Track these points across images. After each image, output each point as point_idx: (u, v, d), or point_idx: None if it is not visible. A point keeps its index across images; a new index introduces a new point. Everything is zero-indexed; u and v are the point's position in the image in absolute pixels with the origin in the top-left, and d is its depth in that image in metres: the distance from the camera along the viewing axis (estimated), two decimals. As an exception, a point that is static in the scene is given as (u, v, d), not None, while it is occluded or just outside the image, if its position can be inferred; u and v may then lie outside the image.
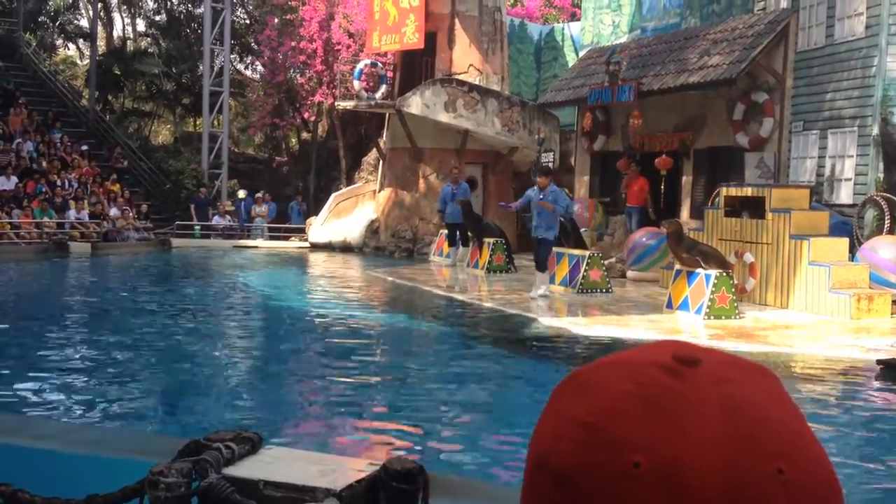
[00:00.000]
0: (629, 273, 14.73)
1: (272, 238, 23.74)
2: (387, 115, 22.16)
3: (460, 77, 20.82)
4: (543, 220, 12.56)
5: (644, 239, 14.45)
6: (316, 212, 23.75)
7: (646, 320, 10.90)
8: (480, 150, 20.79)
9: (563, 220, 13.70)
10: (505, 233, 17.13)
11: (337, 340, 10.00)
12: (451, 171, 18.10)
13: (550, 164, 18.99)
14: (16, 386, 7.26)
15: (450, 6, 21.23)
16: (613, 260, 15.02)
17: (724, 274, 10.81)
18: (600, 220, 18.04)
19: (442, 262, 18.23)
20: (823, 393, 7.78)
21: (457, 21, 21.26)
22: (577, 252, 13.38)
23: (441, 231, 18.95)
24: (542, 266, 12.79)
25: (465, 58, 21.33)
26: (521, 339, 10.48)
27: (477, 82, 20.90)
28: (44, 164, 23.10)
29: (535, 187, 12.88)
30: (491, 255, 16.09)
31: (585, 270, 12.94)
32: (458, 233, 17.33)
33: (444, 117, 20.07)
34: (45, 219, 20.54)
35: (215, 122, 27.31)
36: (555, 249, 13.65)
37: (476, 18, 21.46)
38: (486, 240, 16.28)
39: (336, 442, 6.25)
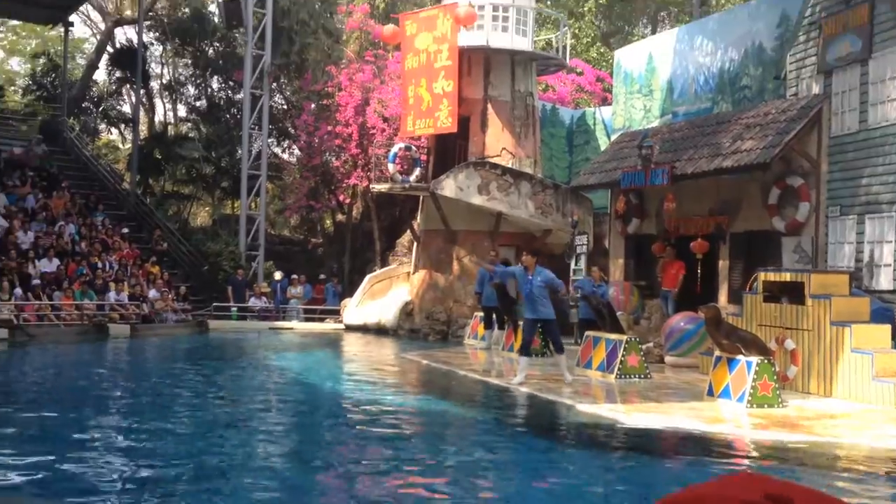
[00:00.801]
0: (667, 358, 14.60)
1: (307, 319, 23.88)
2: (421, 197, 22.45)
3: (493, 160, 21.10)
4: (542, 299, 12.55)
5: (682, 323, 14.36)
6: (351, 293, 23.91)
7: (686, 408, 10.74)
8: (514, 232, 20.93)
9: (598, 304, 13.71)
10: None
11: (371, 426, 9.96)
12: (488, 255, 18.24)
13: (585, 247, 19.08)
14: (52, 470, 7.29)
15: (482, 91, 21.66)
16: (651, 345, 14.91)
17: (766, 361, 10.68)
18: (636, 303, 17.97)
19: (477, 344, 18.20)
20: (871, 485, 7.60)
21: (489, 106, 21.67)
22: (614, 336, 13.30)
23: (476, 313, 18.99)
24: (561, 347, 12.74)
25: (497, 141, 21.65)
26: (559, 426, 10.38)
27: (510, 165, 21.17)
28: (85, 246, 23.57)
29: (520, 266, 12.93)
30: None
31: (623, 355, 12.85)
32: (493, 315, 17.34)
33: (477, 200, 20.31)
34: (86, 300, 20.85)
35: (253, 205, 27.79)
36: (591, 334, 13.59)
37: (508, 103, 21.85)
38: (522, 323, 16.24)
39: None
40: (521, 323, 16.11)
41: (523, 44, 21.91)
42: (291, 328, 22.32)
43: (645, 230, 18.90)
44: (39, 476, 7.19)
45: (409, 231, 23.95)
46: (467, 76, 21.57)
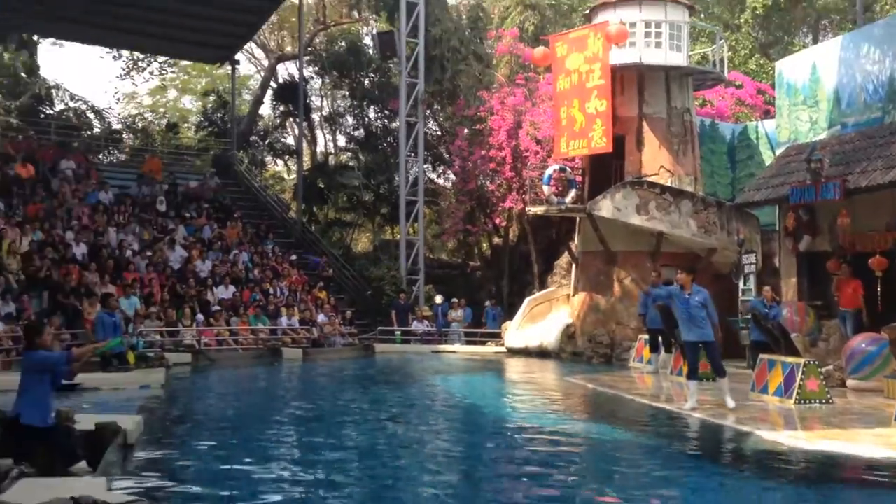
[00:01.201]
0: (849, 382, 13.87)
1: (469, 343, 24.13)
2: (578, 218, 22.32)
3: (651, 179, 20.76)
4: (700, 319, 12.16)
5: (863, 345, 13.63)
6: (510, 316, 24.01)
7: (873, 434, 10.18)
8: (677, 252, 20.45)
9: (770, 326, 13.22)
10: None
11: (537, 450, 9.95)
12: (650, 276, 17.94)
13: (753, 266, 18.43)
14: (227, 491, 7.66)
15: (637, 109, 21.40)
16: (831, 368, 14.21)
17: (962, 385, 10.01)
18: (812, 324, 17.13)
19: (643, 368, 17.88)
20: None
21: (645, 123, 21.37)
22: (790, 360, 12.76)
23: (640, 336, 18.67)
24: (722, 371, 12.34)
25: (655, 159, 21.30)
26: (736, 454, 10.04)
27: (669, 183, 20.77)
28: (258, 273, 24.76)
29: (676, 286, 12.60)
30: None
31: (801, 380, 12.30)
32: (659, 338, 17.00)
33: (636, 220, 20.01)
34: (260, 325, 21.88)
35: (411, 230, 28.43)
36: (766, 357, 13.10)
37: (664, 120, 21.49)
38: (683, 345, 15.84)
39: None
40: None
41: (678, 59, 21.53)
42: (454, 351, 22.61)
43: (818, 247, 18.05)
44: (226, 493, 7.59)
45: (566, 253, 23.84)
46: (620, 94, 21.35)
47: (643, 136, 21.37)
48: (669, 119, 21.52)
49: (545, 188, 22.05)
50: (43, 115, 34.17)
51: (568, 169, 22.61)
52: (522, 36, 30.01)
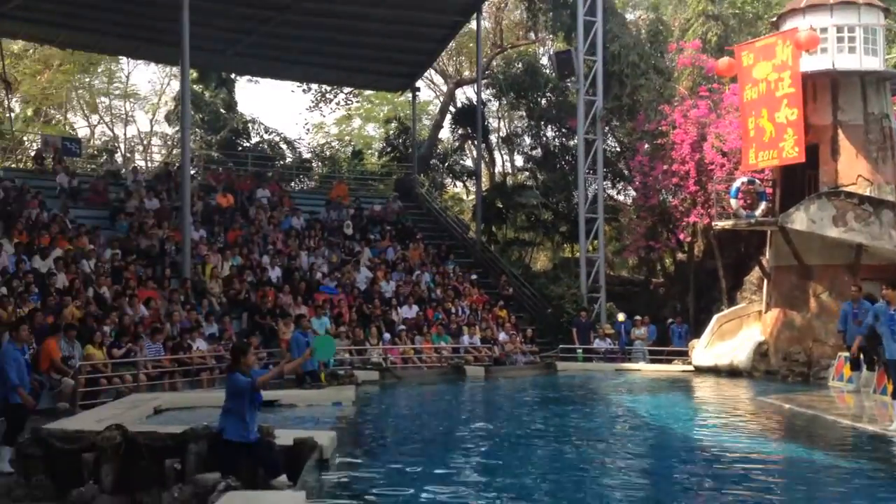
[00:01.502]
0: None
1: (653, 361, 23.56)
2: (768, 232, 21.39)
3: (848, 189, 19.61)
4: None
5: None
6: (697, 334, 23.26)
7: None
8: (878, 265, 19.14)
9: None
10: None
11: (731, 472, 9.57)
12: (850, 290, 16.93)
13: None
14: (407, 501, 7.79)
15: (831, 117, 20.31)
16: None
17: None
18: None
19: (843, 387, 16.87)
20: None
21: (840, 131, 20.23)
22: None
23: (840, 353, 17.62)
24: None
25: (851, 168, 20.11)
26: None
27: (868, 193, 19.53)
28: (439, 292, 25.25)
29: (882, 302, 11.94)
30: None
31: None
32: (861, 356, 15.96)
33: (833, 232, 18.93)
34: (443, 343, 22.29)
35: (591, 247, 28.17)
36: None
37: (861, 127, 20.26)
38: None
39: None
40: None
41: (873, 63, 20.27)
42: (638, 370, 22.13)
43: None
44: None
45: (756, 268, 22.85)
46: (812, 102, 20.34)
47: (838, 144, 20.23)
48: (867, 126, 20.27)
49: (733, 202, 21.29)
50: (240, 148, 36.48)
51: (757, 181, 21.70)
52: (705, 47, 29.20)
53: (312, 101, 42.11)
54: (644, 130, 27.97)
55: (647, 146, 27.67)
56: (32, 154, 30.51)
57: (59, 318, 15.87)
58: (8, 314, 15.11)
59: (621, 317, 25.18)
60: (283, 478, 8.28)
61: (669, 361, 23.09)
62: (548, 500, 8.25)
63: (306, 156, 41.29)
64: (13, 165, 31.39)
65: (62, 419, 10.13)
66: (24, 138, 38.55)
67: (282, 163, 37.67)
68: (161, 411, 12.04)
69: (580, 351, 23.91)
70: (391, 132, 40.78)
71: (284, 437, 9.06)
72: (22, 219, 20.27)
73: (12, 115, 38.37)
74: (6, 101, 36.71)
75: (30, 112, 42.64)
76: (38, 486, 8.76)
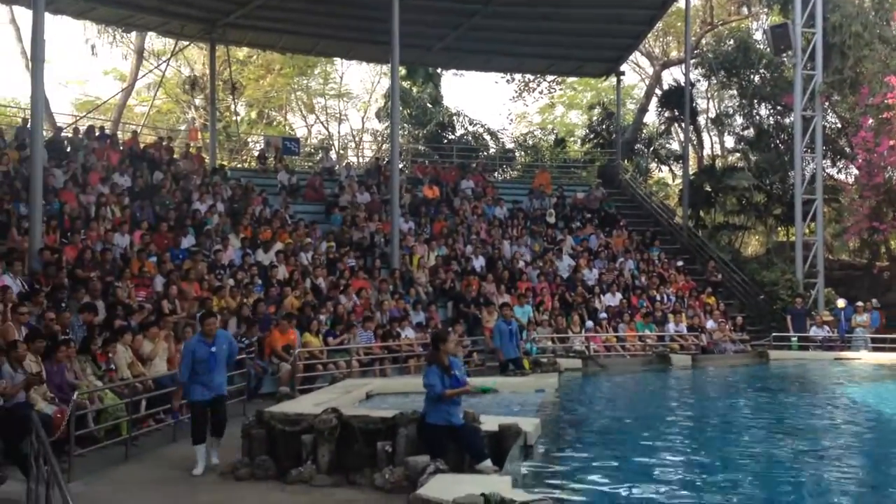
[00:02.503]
0: None
1: (877, 349, 22.00)
2: None
3: None
4: None
5: None
6: (928, 321, 21.54)
7: None
8: None
9: None
10: None
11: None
12: None
13: None
14: (624, 494, 7.75)
15: None
16: None
17: None
18: None
19: None
20: None
21: None
22: None
23: None
24: None
25: None
26: None
27: None
28: (644, 280, 24.81)
29: None
30: None
31: None
32: None
33: None
34: (647, 331, 21.91)
35: (808, 230, 26.73)
36: None
37: None
38: None
39: None
40: None
41: None
42: (859, 358, 20.75)
43: None
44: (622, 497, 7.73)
45: None
46: None
47: None
48: None
49: (968, 177, 19.50)
50: (445, 140, 37.35)
51: None
52: (936, 12, 26.87)
53: (516, 92, 42.51)
54: (868, 104, 26.18)
55: (871, 121, 25.91)
56: (256, 154, 32.65)
57: (281, 309, 17.03)
58: (237, 303, 16.37)
59: (841, 303, 23.72)
60: (489, 462, 8.46)
61: (894, 350, 21.47)
62: (758, 498, 7.98)
63: (509, 146, 41.66)
64: (239, 165, 33.75)
65: (283, 402, 10.82)
66: (249, 139, 41.40)
67: (485, 153, 38.22)
68: (372, 396, 12.64)
69: (795, 339, 22.73)
70: (594, 118, 40.35)
71: (489, 423, 9.24)
72: (247, 215, 21.83)
73: (238, 118, 41.27)
74: (233, 106, 39.55)
75: (253, 115, 45.79)
76: (260, 466, 9.43)
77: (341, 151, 44.38)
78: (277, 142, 30.92)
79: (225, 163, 31.70)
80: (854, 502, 7.68)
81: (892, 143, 24.26)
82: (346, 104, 49.66)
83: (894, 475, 8.88)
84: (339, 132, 49.81)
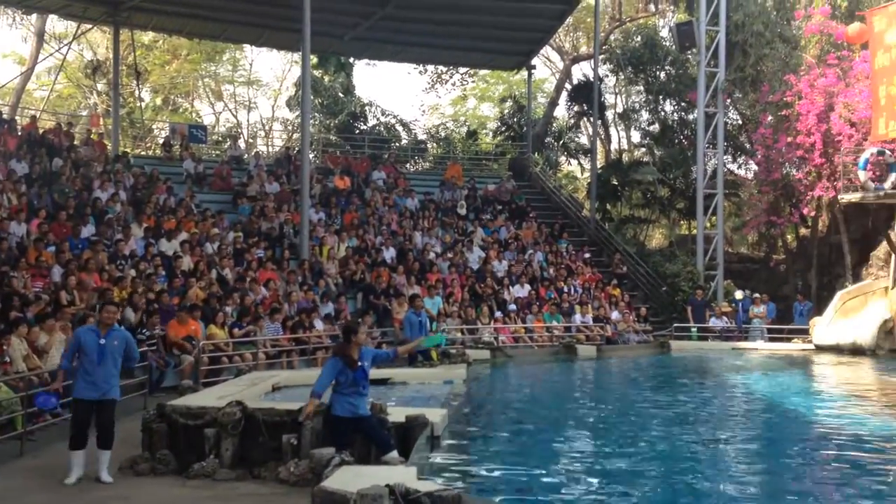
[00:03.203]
0: None
1: (772, 340, 22.87)
2: (898, 205, 20.43)
3: None
4: None
5: None
6: (819, 311, 22.45)
7: None
8: None
9: None
10: None
11: (853, 454, 9.26)
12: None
13: None
14: (530, 483, 7.88)
15: (971, 82, 19.13)
16: None
17: None
18: None
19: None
20: None
21: (985, 98, 19.06)
22: None
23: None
24: None
25: None
26: None
27: None
28: (552, 271, 25.18)
29: None
30: None
31: None
32: None
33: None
34: (554, 322, 22.26)
35: (709, 224, 27.51)
36: None
37: None
38: None
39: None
40: None
41: None
42: (755, 348, 21.54)
43: None
44: (523, 486, 7.84)
45: (884, 242, 21.83)
46: (949, 67, 19.24)
47: (979, 111, 19.07)
48: None
49: (861, 174, 20.46)
50: (357, 131, 37.15)
51: (887, 152, 20.76)
52: (834, 13, 27.85)
53: (428, 83, 42.54)
54: (768, 102, 27.02)
55: (770, 118, 26.75)
56: (161, 141, 31.90)
57: (185, 300, 16.68)
58: (139, 296, 15.96)
59: (739, 294, 24.57)
60: (395, 454, 8.45)
61: (789, 340, 22.38)
62: (659, 483, 8.19)
63: (421, 137, 41.73)
64: (143, 153, 32.88)
65: (186, 396, 10.61)
66: (154, 126, 40.39)
67: (397, 145, 38.19)
68: (279, 388, 12.50)
69: (695, 330, 23.42)
70: (506, 111, 40.73)
71: (396, 414, 9.25)
72: (151, 204, 21.30)
73: (142, 104, 40.20)
74: (137, 91, 38.49)
75: (159, 101, 44.66)
76: (161, 460, 9.22)
77: (250, 140, 43.72)
78: (183, 129, 30.25)
79: (128, 150, 30.80)
80: (750, 487, 7.93)
81: (789, 139, 25.11)
82: (256, 92, 49.01)
83: (787, 460, 9.21)
84: (248, 120, 49.11)
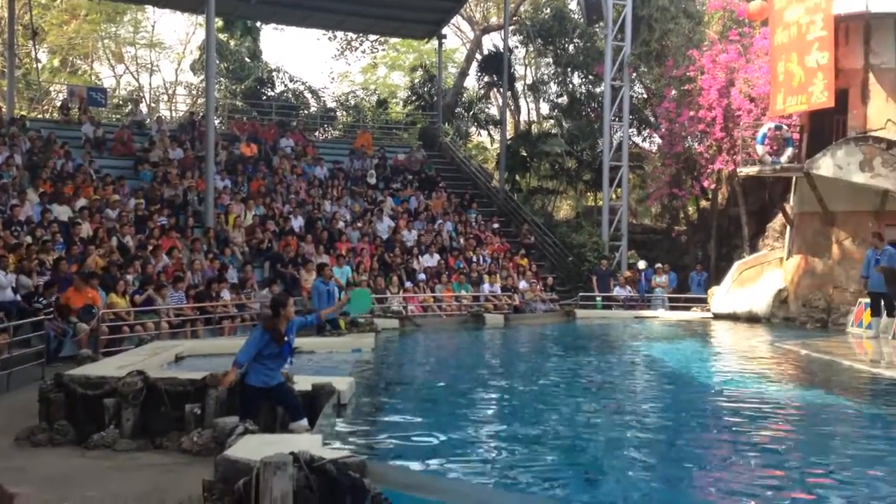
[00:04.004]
0: None
1: (673, 308, 23.56)
2: (794, 178, 21.18)
3: (877, 134, 19.29)
4: None
5: None
6: (717, 281, 23.21)
7: None
8: (903, 211, 19.00)
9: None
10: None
11: (747, 418, 9.62)
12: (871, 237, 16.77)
13: None
14: (436, 450, 7.94)
15: (863, 60, 19.88)
16: None
17: None
18: None
19: (862, 333, 16.85)
20: None
21: (871, 75, 19.82)
22: None
23: (860, 300, 17.57)
24: None
25: (881, 113, 19.74)
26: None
27: (896, 138, 19.23)
28: (461, 241, 25.31)
29: None
30: (922, 328, 14.55)
31: None
32: (881, 302, 15.88)
33: (859, 178, 18.68)
34: (463, 292, 22.41)
35: (614, 195, 28.04)
36: None
37: (893, 70, 19.83)
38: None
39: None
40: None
41: (909, 5, 19.79)
42: (657, 317, 22.16)
43: None
44: (430, 451, 7.88)
45: (780, 215, 22.67)
46: (844, 45, 19.90)
47: (869, 88, 19.83)
48: (900, 69, 19.86)
49: (759, 148, 21.06)
50: (265, 97, 36.44)
51: (784, 127, 21.43)
52: (738, -10, 28.61)
53: (338, 50, 42.10)
54: (672, 76, 27.61)
55: (674, 92, 27.34)
56: (58, 104, 30.70)
57: (83, 267, 16.14)
58: (34, 263, 15.37)
59: (642, 265, 25.18)
60: (304, 422, 8.39)
61: (688, 309, 23.09)
62: (563, 447, 8.33)
63: (331, 105, 41.23)
64: (39, 116, 31.66)
65: (85, 365, 10.31)
66: (51, 89, 38.82)
67: (306, 112, 37.65)
68: (182, 358, 12.26)
69: (599, 299, 23.94)
70: (416, 81, 40.53)
71: (303, 383, 9.17)
72: (47, 169, 20.50)
73: (39, 65, 38.57)
74: (33, 52, 36.88)
75: (56, 62, 42.91)
76: (59, 431, 8.94)
77: (152, 104, 42.40)
78: (82, 92, 29.17)
79: (24, 113, 29.55)
80: (651, 454, 8.14)
81: (691, 113, 25.74)
82: (159, 55, 47.55)
83: (687, 427, 9.48)
84: (150, 84, 47.61)
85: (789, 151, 20.80)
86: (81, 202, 19.16)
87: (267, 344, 8.54)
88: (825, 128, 20.43)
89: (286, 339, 8.65)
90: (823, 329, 18.76)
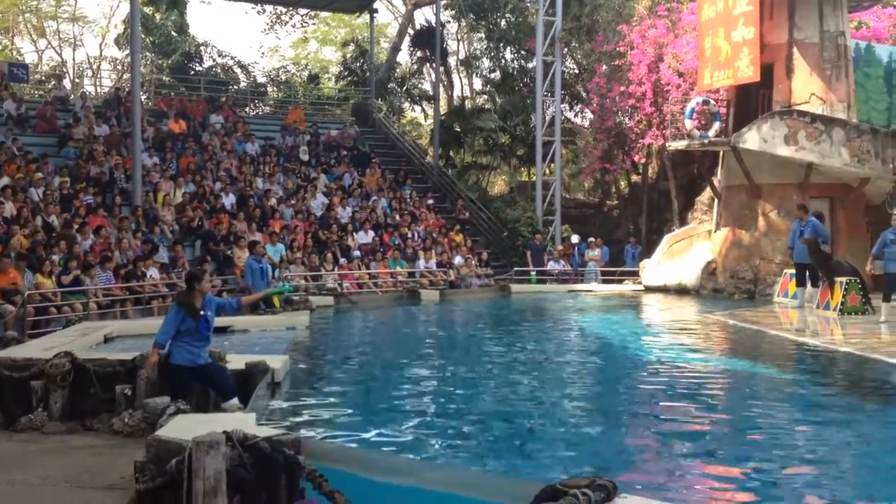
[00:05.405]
0: None
1: (606, 282, 23.91)
2: (721, 152, 21.59)
3: (801, 107, 19.77)
4: None
5: None
6: (649, 254, 23.60)
7: None
8: (826, 183, 19.53)
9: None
10: (858, 271, 15.86)
11: (676, 386, 9.82)
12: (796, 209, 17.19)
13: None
14: (371, 426, 7.95)
15: (787, 35, 20.30)
16: None
17: None
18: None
19: (788, 303, 17.32)
20: None
21: (795, 50, 20.26)
22: None
23: (785, 271, 18.05)
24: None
25: (805, 87, 20.23)
26: (887, 388, 9.61)
27: (820, 112, 19.71)
28: (396, 217, 25.25)
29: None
30: (844, 296, 14.99)
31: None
32: (806, 272, 16.34)
33: (784, 151, 19.14)
34: (398, 268, 22.39)
35: (547, 170, 28.23)
36: None
37: (817, 45, 20.31)
38: (839, 279, 15.22)
39: (684, 491, 6.12)
40: (838, 280, 15.15)
41: (832, -20, 20.24)
42: (590, 290, 22.45)
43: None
44: (367, 426, 7.89)
45: (708, 188, 23.12)
46: (769, 20, 20.30)
47: (793, 63, 20.27)
48: (822, 44, 20.31)
49: (687, 122, 21.42)
50: (192, 72, 35.67)
51: (712, 101, 21.81)
52: (667, -36, 28.86)
53: (267, 24, 41.31)
54: (602, 52, 27.76)
55: (604, 68, 27.53)
56: (-23, 80, 29.58)
57: (7, 248, 15.66)
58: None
59: (575, 239, 25.45)
60: (236, 401, 8.31)
61: (621, 282, 23.44)
62: (499, 421, 8.40)
63: (261, 80, 40.58)
64: (-43, 92, 30.41)
65: (10, 348, 10.04)
66: (-31, 64, 37.36)
67: (236, 88, 36.97)
68: (111, 339, 12.02)
69: (534, 273, 24.14)
70: (348, 56, 40.13)
71: (236, 361, 9.07)
72: (-34, 147, 19.80)
73: (-45, 40, 37.14)
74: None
75: (-26, 37, 41.36)
76: (-15, 414, 8.72)
77: (76, 80, 41.21)
78: (3, 67, 28.13)
79: (-61, 89, 28.41)
80: (586, 424, 8.26)
81: (622, 89, 25.98)
82: (82, 29, 46.27)
83: (620, 397, 9.65)
84: (73, 59, 46.27)
85: (717, 126, 21.19)
86: (4, 181, 18.56)
87: (183, 319, 8.43)
88: (751, 102, 20.85)
89: (203, 313, 8.54)
90: (751, 300, 19.24)
